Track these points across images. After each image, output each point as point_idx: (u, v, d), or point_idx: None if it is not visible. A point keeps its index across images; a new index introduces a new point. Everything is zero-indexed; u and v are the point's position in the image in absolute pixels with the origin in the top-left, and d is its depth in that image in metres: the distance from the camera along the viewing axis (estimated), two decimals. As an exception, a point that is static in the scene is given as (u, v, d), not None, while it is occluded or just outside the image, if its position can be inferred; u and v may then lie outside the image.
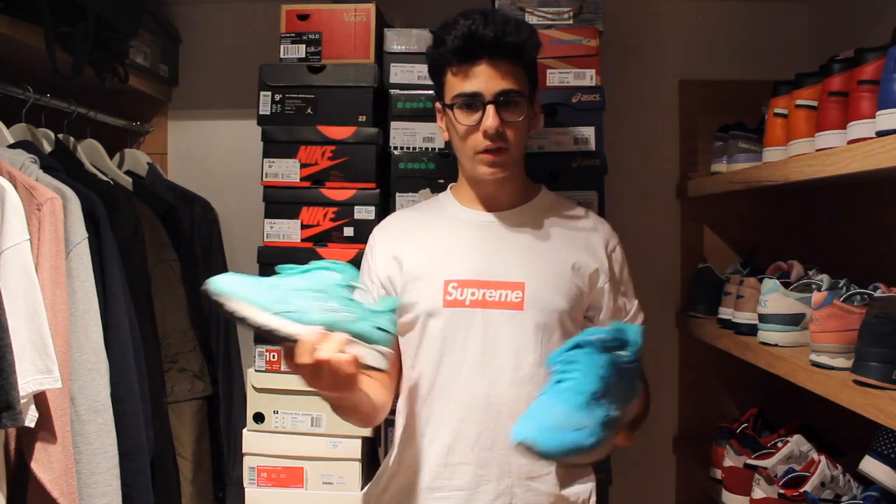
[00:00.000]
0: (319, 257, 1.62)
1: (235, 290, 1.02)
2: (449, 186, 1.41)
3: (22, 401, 1.19)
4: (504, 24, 1.22)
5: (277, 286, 1.06)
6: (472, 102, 1.24)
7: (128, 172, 1.97)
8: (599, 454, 1.06)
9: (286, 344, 1.05)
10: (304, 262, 1.59)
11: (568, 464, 1.04)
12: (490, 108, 1.22)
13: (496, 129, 1.22)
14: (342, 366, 1.04)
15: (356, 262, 1.41)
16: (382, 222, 1.43)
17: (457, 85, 1.25)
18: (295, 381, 1.62)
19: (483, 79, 1.22)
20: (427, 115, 1.67)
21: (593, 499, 1.31)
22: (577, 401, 1.03)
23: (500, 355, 1.26)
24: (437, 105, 1.34)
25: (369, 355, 1.10)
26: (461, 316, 1.26)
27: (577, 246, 1.32)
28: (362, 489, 1.61)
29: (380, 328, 1.12)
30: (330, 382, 1.06)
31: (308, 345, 1.03)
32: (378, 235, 1.38)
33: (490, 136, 1.23)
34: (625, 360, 1.09)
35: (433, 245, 1.32)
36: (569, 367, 1.07)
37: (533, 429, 1.01)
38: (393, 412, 1.37)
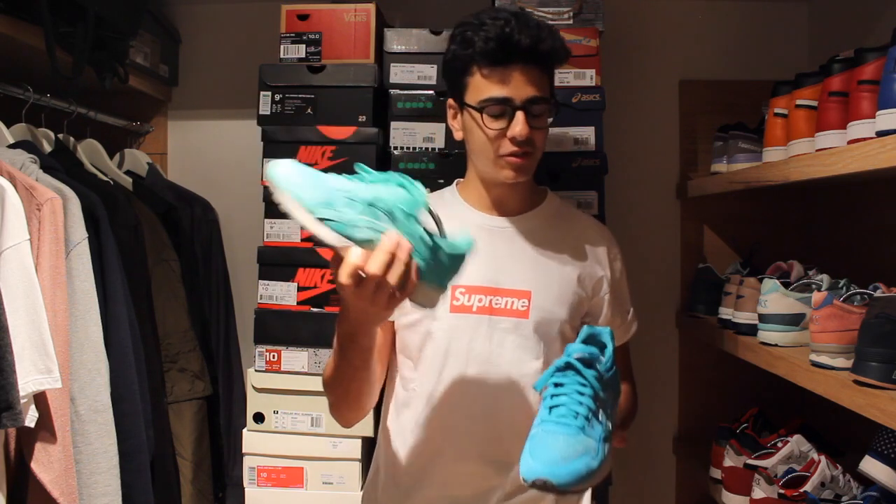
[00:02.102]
0: (319, 257, 1.62)
1: (289, 181, 0.95)
2: (455, 182, 1.38)
3: (22, 401, 1.19)
4: (539, 29, 1.20)
5: (334, 189, 0.96)
6: (502, 107, 1.21)
7: (128, 172, 1.97)
8: (608, 469, 1.05)
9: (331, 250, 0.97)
10: (303, 262, 1.63)
11: (583, 489, 1.02)
12: (520, 115, 1.20)
13: (526, 136, 1.20)
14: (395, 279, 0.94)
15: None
16: None
17: (485, 88, 1.21)
18: (295, 381, 1.65)
19: (515, 85, 1.20)
20: (427, 115, 1.67)
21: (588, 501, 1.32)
22: (577, 424, 1.02)
23: (504, 362, 1.25)
24: (451, 102, 1.30)
25: (422, 290, 0.98)
26: (467, 322, 1.25)
27: (583, 254, 1.32)
28: (362, 489, 1.61)
29: (438, 264, 0.99)
30: (370, 297, 0.96)
31: (351, 265, 0.94)
32: None
33: (518, 143, 1.21)
34: (606, 366, 1.08)
35: None
36: (558, 390, 1.06)
37: (542, 465, 0.98)
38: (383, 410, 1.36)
